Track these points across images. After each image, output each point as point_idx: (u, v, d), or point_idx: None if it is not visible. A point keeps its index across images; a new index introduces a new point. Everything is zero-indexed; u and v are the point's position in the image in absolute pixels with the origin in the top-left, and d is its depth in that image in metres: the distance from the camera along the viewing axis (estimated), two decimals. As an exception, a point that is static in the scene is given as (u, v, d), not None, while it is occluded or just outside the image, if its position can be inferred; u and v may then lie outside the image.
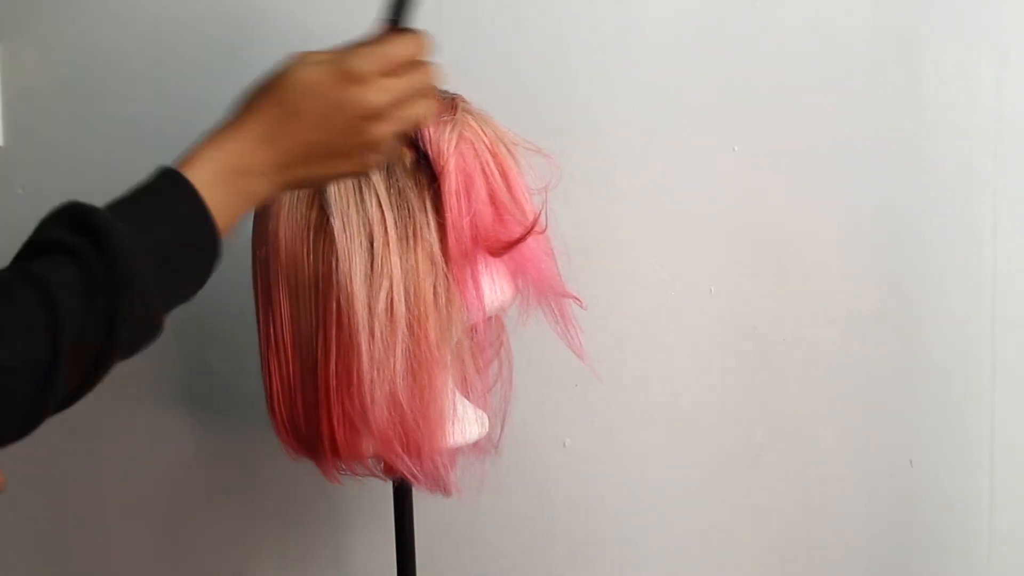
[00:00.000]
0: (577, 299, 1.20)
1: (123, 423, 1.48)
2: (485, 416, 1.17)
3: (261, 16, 1.43)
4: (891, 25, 1.29)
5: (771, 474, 1.36)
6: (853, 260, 1.32)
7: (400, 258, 1.04)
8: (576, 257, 1.22)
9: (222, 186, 0.80)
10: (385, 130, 0.85)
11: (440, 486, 1.11)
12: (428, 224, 1.06)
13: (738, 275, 1.34)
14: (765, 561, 1.37)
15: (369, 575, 1.46)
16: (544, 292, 1.17)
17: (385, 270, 1.04)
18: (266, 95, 0.83)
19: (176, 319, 0.80)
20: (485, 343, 1.22)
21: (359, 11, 1.41)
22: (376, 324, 1.04)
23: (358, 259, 1.04)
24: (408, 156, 1.06)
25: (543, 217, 1.11)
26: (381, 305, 1.04)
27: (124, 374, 0.81)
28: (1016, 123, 1.27)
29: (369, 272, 1.04)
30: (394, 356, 1.05)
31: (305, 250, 1.06)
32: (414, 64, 0.86)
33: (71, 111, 1.49)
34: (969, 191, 1.29)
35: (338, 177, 0.90)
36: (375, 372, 1.05)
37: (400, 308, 1.04)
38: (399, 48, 0.85)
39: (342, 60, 0.83)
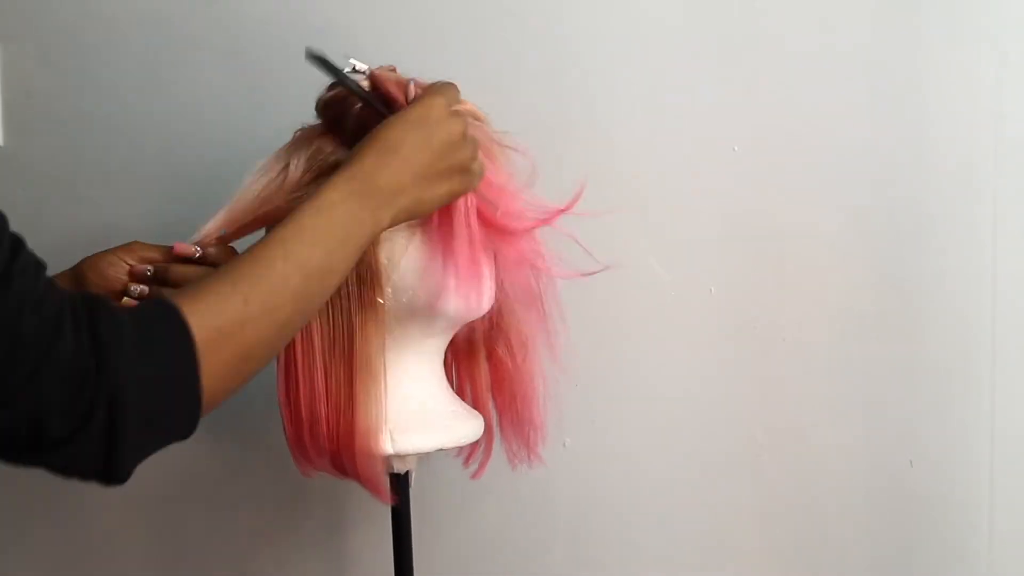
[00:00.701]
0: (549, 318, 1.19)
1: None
2: (447, 428, 1.13)
3: (261, 16, 1.43)
4: (891, 25, 1.29)
5: (771, 474, 1.36)
6: (853, 260, 1.32)
7: None
8: (576, 256, 1.22)
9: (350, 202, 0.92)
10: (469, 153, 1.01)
11: (374, 492, 1.11)
12: None
13: (738, 275, 1.34)
14: (765, 561, 1.37)
15: (370, 574, 1.45)
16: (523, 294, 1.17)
17: None
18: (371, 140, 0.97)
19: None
20: (472, 349, 1.21)
21: (358, 11, 1.41)
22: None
23: None
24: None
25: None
26: None
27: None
28: (1016, 123, 1.27)
29: None
30: (313, 363, 1.07)
31: None
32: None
33: (71, 111, 1.49)
34: (969, 191, 1.29)
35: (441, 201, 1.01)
36: (300, 374, 1.07)
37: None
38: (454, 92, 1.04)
39: (442, 93, 1.00)
